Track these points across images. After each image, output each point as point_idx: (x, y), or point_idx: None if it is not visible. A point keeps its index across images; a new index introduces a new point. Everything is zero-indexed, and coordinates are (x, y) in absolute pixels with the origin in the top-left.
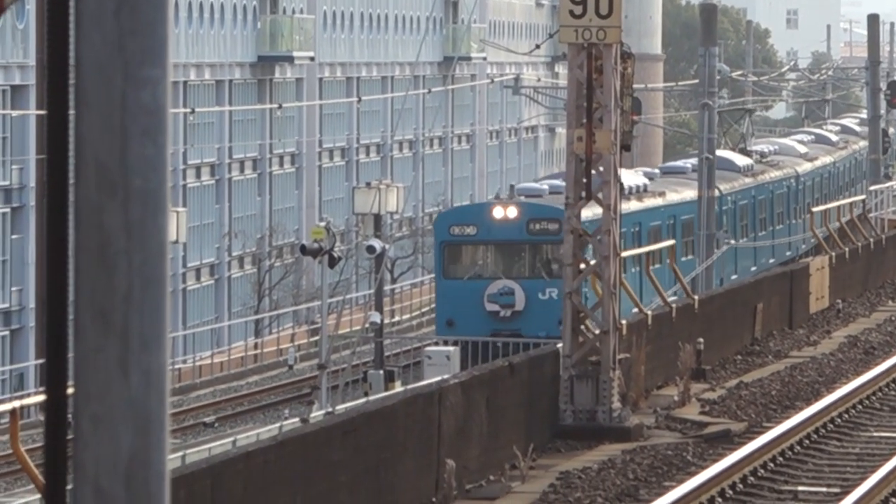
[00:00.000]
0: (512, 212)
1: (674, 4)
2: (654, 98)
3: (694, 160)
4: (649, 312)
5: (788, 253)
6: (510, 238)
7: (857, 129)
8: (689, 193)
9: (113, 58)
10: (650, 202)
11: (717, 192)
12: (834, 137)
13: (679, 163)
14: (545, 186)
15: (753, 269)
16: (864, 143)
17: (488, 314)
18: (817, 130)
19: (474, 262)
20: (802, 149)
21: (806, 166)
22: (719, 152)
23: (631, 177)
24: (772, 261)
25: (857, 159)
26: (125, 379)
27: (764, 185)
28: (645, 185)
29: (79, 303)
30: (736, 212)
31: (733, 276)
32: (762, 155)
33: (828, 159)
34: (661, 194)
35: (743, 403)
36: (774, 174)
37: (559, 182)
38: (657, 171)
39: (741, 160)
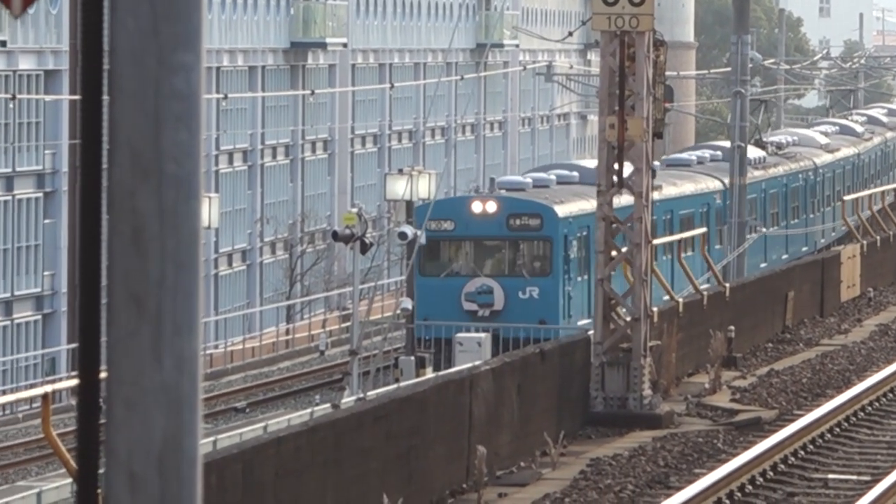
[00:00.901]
0: (491, 206)
1: None
2: (687, 86)
3: (699, 152)
4: (681, 300)
5: (805, 248)
6: (489, 234)
7: (885, 119)
8: (690, 187)
9: (147, 43)
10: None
11: (720, 186)
12: (859, 128)
13: (684, 155)
14: (528, 180)
15: (763, 265)
16: (891, 134)
17: (466, 313)
18: (842, 121)
19: (452, 259)
20: (823, 140)
21: (825, 158)
22: (729, 144)
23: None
24: (784, 256)
25: (883, 150)
26: (158, 363)
27: (776, 178)
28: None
29: (112, 288)
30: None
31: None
32: (779, 147)
33: (851, 150)
34: (657, 189)
35: (773, 391)
36: (789, 166)
37: (545, 175)
38: (657, 164)
39: (752, 152)
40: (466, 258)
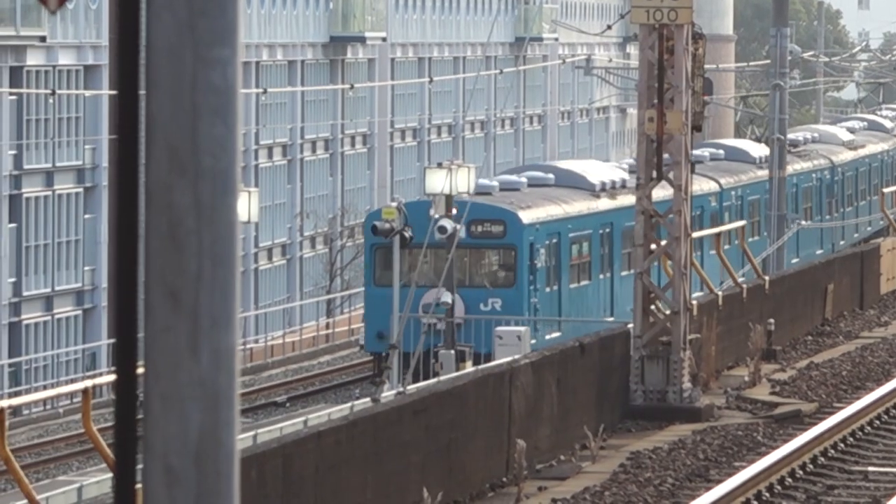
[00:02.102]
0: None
1: None
2: (726, 78)
3: (699, 151)
4: (720, 293)
5: (820, 251)
6: (448, 242)
7: None
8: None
9: (183, 38)
10: (624, 200)
11: (715, 187)
12: (889, 124)
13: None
14: (495, 183)
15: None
16: None
17: (424, 327)
18: (871, 116)
19: (409, 268)
20: (847, 136)
21: (846, 156)
22: (734, 142)
23: (606, 171)
24: (795, 260)
25: None
26: (195, 358)
27: (784, 178)
28: (623, 181)
29: (149, 282)
30: (744, 208)
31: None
32: (794, 144)
33: (878, 147)
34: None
35: (813, 384)
36: (800, 165)
37: (515, 178)
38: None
39: (757, 151)
40: (424, 267)
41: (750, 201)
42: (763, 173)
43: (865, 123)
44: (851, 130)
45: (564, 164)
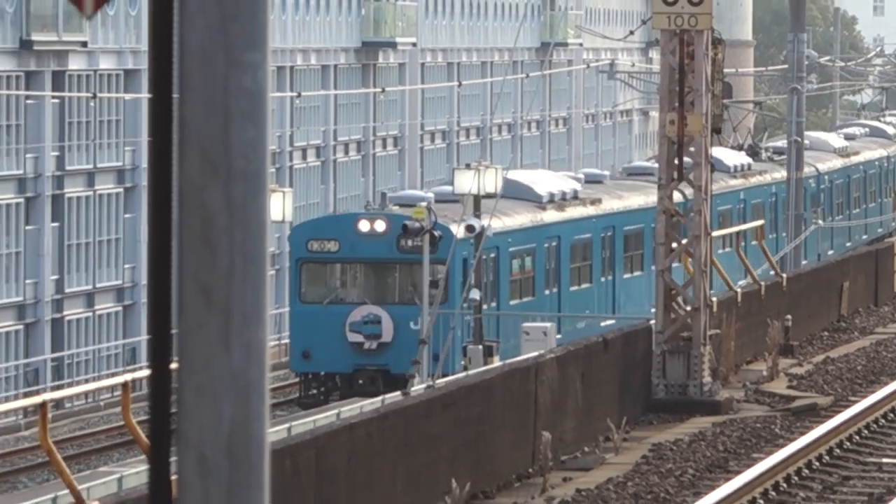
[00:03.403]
0: (380, 225)
1: None
2: (745, 82)
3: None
4: (739, 290)
5: (805, 261)
6: (377, 256)
7: None
8: (638, 200)
9: (215, 43)
10: (574, 212)
11: (680, 197)
12: (891, 130)
13: (646, 163)
14: (430, 195)
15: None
16: None
17: (351, 346)
18: (873, 122)
19: (335, 285)
20: (839, 143)
21: (834, 163)
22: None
23: (555, 182)
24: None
25: None
26: (227, 352)
27: (759, 188)
28: (575, 192)
29: (182, 280)
30: (712, 217)
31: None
32: (779, 152)
33: (875, 154)
34: (595, 202)
35: (829, 378)
36: (780, 174)
37: (451, 188)
38: (606, 173)
39: (733, 159)
40: (352, 283)
41: (720, 211)
42: (736, 182)
43: (867, 130)
44: (851, 137)
45: (511, 175)
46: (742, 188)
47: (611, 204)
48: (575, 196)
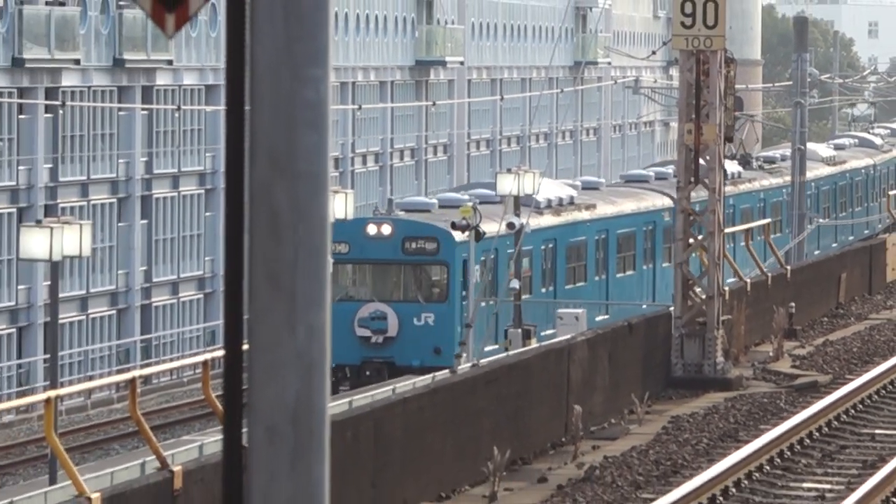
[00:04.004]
0: (386, 229)
1: (771, 17)
2: (754, 97)
3: (658, 168)
4: (748, 280)
5: (790, 265)
6: (383, 258)
7: None
8: (631, 206)
9: (282, 60)
10: (570, 216)
11: (670, 203)
12: (878, 141)
13: (642, 171)
14: (434, 201)
15: (732, 279)
16: None
17: (359, 340)
18: (862, 134)
19: (345, 283)
20: (828, 153)
21: (821, 171)
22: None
23: (553, 189)
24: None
25: None
26: (292, 333)
27: (749, 194)
28: (571, 198)
29: (252, 269)
30: (803, 200)
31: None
32: (769, 161)
33: (862, 162)
34: (590, 207)
35: (828, 359)
36: (767, 182)
37: (457, 195)
38: (602, 180)
39: (727, 167)
40: (360, 283)
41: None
42: (727, 189)
43: (856, 140)
44: (841, 147)
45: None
46: (732, 194)
47: (605, 209)
48: (571, 202)
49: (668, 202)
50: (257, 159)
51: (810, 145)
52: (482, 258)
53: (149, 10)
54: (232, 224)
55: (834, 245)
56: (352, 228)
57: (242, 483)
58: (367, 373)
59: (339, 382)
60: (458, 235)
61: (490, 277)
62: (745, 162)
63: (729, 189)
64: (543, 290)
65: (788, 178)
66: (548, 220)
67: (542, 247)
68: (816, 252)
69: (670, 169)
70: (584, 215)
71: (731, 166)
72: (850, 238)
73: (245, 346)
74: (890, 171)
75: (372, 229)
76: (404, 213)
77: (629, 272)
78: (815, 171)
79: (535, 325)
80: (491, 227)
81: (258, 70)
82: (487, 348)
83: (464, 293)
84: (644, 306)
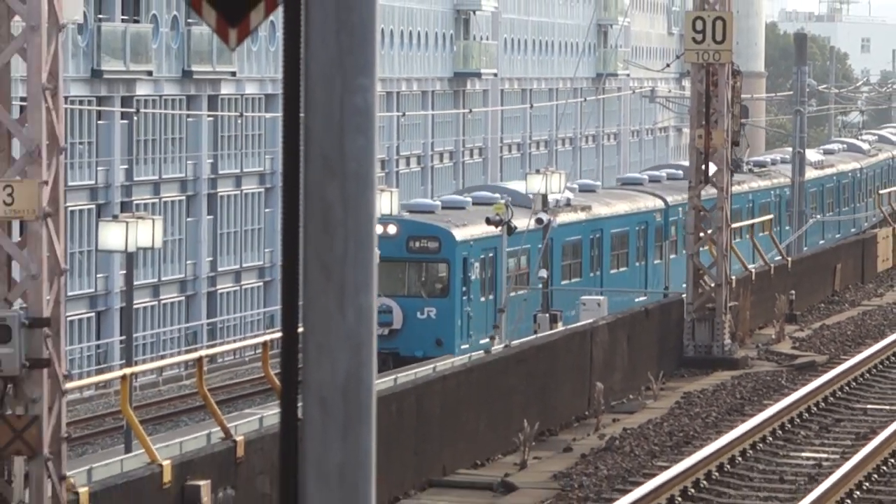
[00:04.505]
0: (392, 229)
1: (774, 33)
2: (758, 106)
3: (652, 171)
4: (753, 270)
5: (778, 259)
6: (389, 255)
7: (894, 138)
8: (624, 207)
9: (333, 71)
10: (566, 217)
11: (661, 204)
12: (865, 146)
13: (637, 174)
14: (437, 202)
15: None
16: None
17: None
18: (851, 140)
19: None
20: (816, 157)
21: (809, 174)
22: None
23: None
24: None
25: (889, 164)
26: (342, 315)
27: (737, 196)
28: (568, 200)
29: (307, 259)
30: (802, 199)
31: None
32: (760, 165)
33: (849, 166)
34: (586, 209)
35: (825, 341)
36: (756, 184)
37: (460, 197)
38: (598, 183)
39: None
40: None
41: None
42: (715, 191)
43: (845, 146)
44: (830, 152)
45: (513, 185)
46: (706, 198)
47: (599, 210)
48: (567, 203)
49: (659, 203)
50: (311, 161)
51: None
52: (539, 246)
53: (214, 26)
54: (289, 219)
55: (821, 242)
56: None
57: (298, 451)
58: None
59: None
60: (459, 235)
61: (489, 274)
62: (735, 166)
63: (714, 192)
64: (541, 285)
65: (777, 181)
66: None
67: (540, 245)
68: (805, 249)
69: (664, 172)
70: (580, 216)
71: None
72: (837, 236)
73: (300, 328)
74: (876, 173)
75: (379, 229)
76: (409, 214)
77: (622, 269)
78: (805, 174)
79: (560, 311)
80: (491, 228)
81: (312, 80)
82: (483, 340)
83: (464, 289)
84: (641, 299)
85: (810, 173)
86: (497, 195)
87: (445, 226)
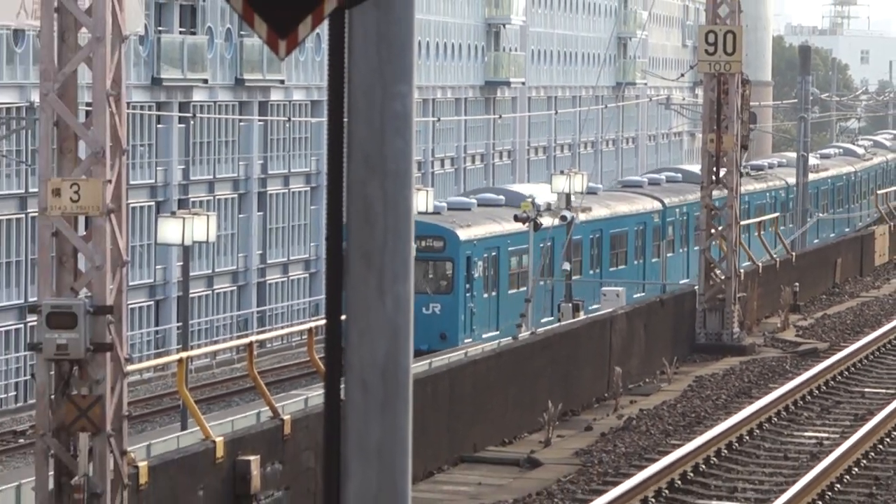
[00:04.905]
0: None
1: (780, 46)
2: (765, 112)
3: (652, 175)
4: (760, 264)
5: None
6: None
7: (888, 143)
8: (624, 208)
9: (374, 79)
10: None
11: (659, 206)
12: (861, 151)
13: (637, 177)
14: (444, 204)
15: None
16: (893, 156)
17: None
18: (847, 145)
19: None
20: (812, 161)
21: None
22: (691, 167)
23: (537, 193)
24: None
25: (883, 168)
26: (381, 302)
27: (806, 184)
28: (521, 205)
29: (349, 250)
30: (689, 223)
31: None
32: (757, 168)
33: (843, 170)
34: (586, 210)
35: (826, 329)
36: (753, 186)
37: (465, 199)
38: (600, 186)
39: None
40: None
41: (696, 216)
42: (716, 193)
43: (841, 150)
44: (826, 156)
45: (516, 188)
46: (717, 198)
47: (599, 212)
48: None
49: (657, 205)
50: (354, 160)
51: (795, 155)
52: (540, 245)
53: (265, 38)
54: (333, 213)
55: (815, 241)
56: None
57: (340, 429)
58: None
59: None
60: (463, 235)
61: (492, 272)
62: None
63: (715, 194)
64: (542, 282)
65: (772, 184)
66: (546, 221)
67: (541, 245)
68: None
69: (664, 175)
70: (580, 217)
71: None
72: (832, 235)
73: (343, 316)
74: (871, 176)
75: None
76: (417, 214)
77: (621, 266)
78: (795, 178)
79: (582, 301)
80: (494, 228)
81: (355, 87)
82: (486, 335)
83: (467, 286)
84: (635, 291)
85: (810, 176)
86: (501, 197)
87: (450, 226)
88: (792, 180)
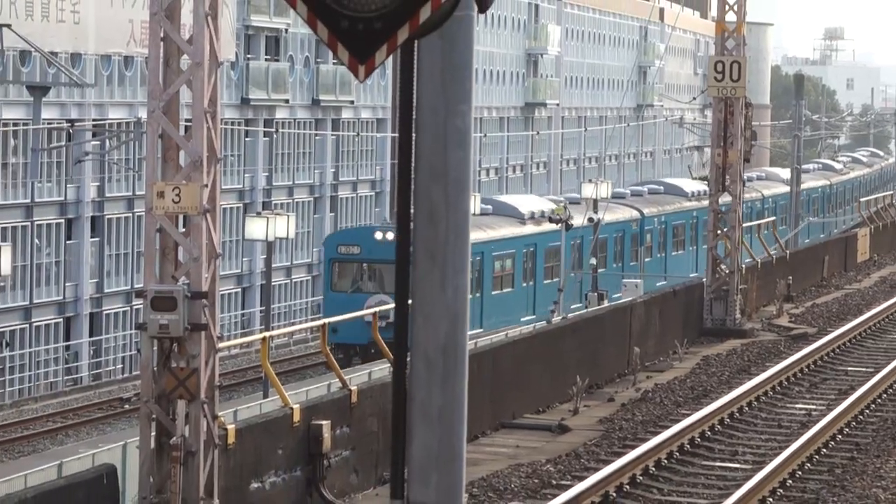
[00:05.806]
0: (390, 235)
1: (777, 74)
2: (764, 131)
3: (635, 187)
4: (759, 260)
5: (749, 260)
6: (388, 258)
7: (864, 159)
8: (607, 217)
9: (439, 99)
10: (548, 226)
11: (637, 215)
12: (838, 166)
13: (620, 189)
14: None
15: (693, 273)
16: (867, 170)
17: (367, 324)
18: (826, 160)
19: (357, 279)
20: (787, 175)
21: (779, 190)
22: (673, 180)
23: (538, 203)
24: (693, 273)
25: (860, 181)
26: (443, 292)
27: (799, 193)
28: (552, 210)
29: (416, 247)
30: (667, 231)
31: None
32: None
33: (819, 182)
34: (569, 220)
35: (815, 316)
36: (728, 198)
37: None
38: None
39: (692, 186)
40: (369, 278)
41: (674, 225)
42: (691, 204)
43: (819, 165)
44: (805, 171)
45: (504, 198)
46: (695, 208)
47: (580, 219)
48: (543, 214)
49: (636, 214)
50: (420, 169)
51: (776, 169)
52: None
53: (347, 63)
54: (402, 215)
55: (807, 241)
56: (363, 235)
57: (406, 397)
58: (373, 350)
59: (350, 357)
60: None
61: (476, 275)
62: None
63: (693, 204)
64: (524, 284)
65: (755, 195)
66: (529, 228)
67: (524, 250)
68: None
69: (646, 188)
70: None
71: (697, 185)
72: (807, 240)
73: (410, 302)
74: (846, 189)
75: (378, 235)
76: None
77: (601, 270)
78: (773, 190)
79: (606, 291)
80: (503, 231)
81: (421, 105)
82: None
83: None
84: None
85: (780, 189)
86: (489, 206)
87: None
88: (767, 192)
